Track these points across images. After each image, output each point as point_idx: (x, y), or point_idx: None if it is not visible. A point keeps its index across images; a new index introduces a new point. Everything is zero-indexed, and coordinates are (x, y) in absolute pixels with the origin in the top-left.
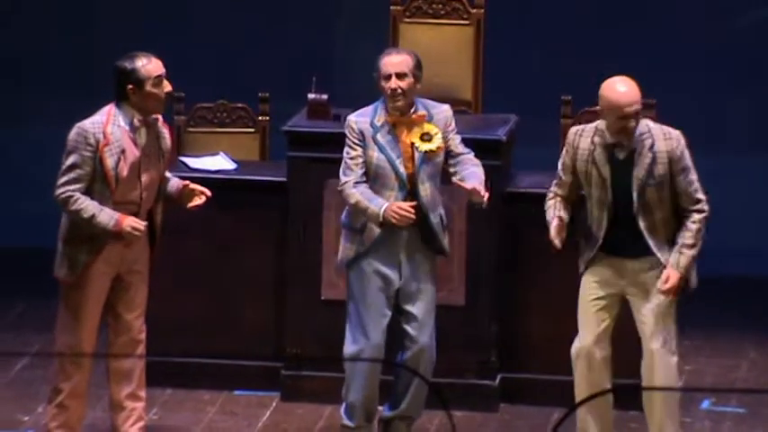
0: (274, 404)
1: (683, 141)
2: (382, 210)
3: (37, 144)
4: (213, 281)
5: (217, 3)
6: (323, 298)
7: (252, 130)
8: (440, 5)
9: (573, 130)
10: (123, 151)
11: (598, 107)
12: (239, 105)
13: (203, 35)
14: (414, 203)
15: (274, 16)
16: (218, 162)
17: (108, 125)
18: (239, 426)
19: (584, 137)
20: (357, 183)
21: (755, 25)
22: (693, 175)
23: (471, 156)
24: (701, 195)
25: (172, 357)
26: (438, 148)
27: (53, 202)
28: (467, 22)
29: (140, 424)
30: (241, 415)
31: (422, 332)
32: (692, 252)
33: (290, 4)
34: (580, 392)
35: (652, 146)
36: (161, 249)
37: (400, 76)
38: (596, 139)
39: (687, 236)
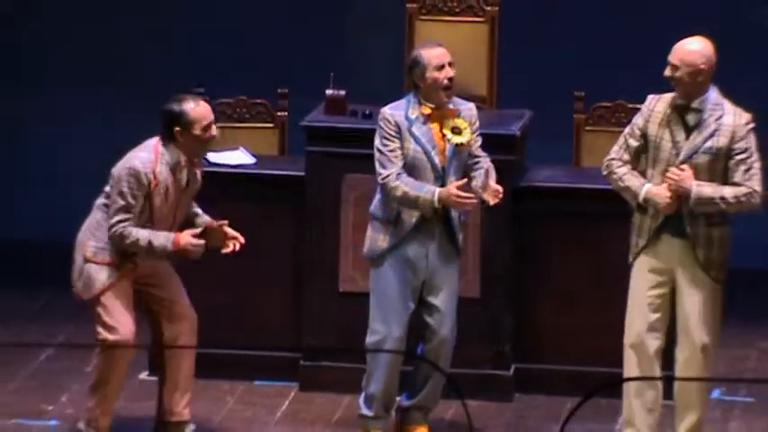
0: (293, 394)
1: (752, 125)
2: (436, 195)
3: (52, 141)
4: (233, 274)
5: (237, 1)
6: (341, 290)
7: (271, 125)
8: (455, 3)
9: (651, 96)
10: (167, 190)
11: (609, 103)
12: (258, 101)
13: (224, 32)
14: (465, 182)
15: (293, 14)
16: (238, 156)
17: (157, 164)
18: (259, 415)
19: (661, 101)
20: (399, 174)
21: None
22: (753, 161)
23: (488, 160)
24: (755, 185)
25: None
26: (468, 141)
27: (71, 196)
28: (481, 19)
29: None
30: (260, 404)
31: (443, 325)
32: (718, 198)
33: (308, 2)
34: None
35: (720, 117)
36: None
37: (452, 64)
38: (672, 104)
39: (726, 188)
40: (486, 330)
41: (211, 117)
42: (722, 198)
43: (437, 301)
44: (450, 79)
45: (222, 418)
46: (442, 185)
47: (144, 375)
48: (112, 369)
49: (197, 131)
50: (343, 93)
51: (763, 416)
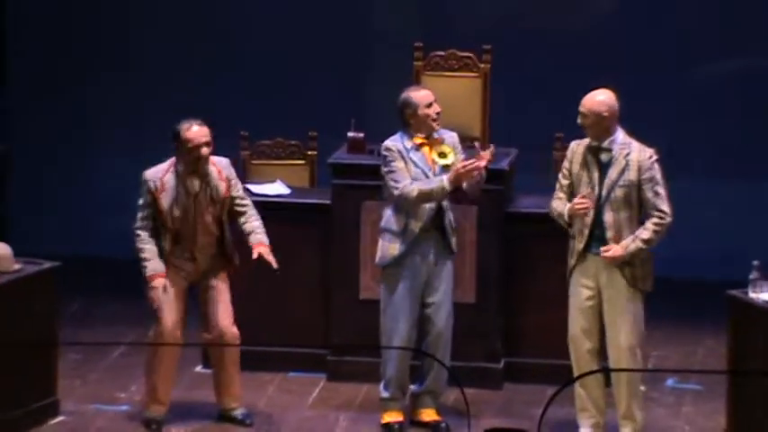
0: (322, 384)
1: (655, 157)
2: (445, 180)
3: (111, 170)
4: (272, 284)
5: (276, 61)
6: (361, 298)
7: (303, 162)
8: (454, 61)
9: (573, 141)
10: (176, 195)
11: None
12: (292, 142)
13: (266, 86)
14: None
15: (322, 72)
16: (276, 188)
17: (167, 173)
18: (293, 401)
19: (580, 145)
20: (411, 182)
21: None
22: (660, 189)
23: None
24: (664, 207)
25: (239, 346)
26: (453, 163)
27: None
28: (476, 74)
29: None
30: (295, 392)
31: (439, 318)
32: (642, 245)
33: (335, 61)
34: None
35: (628, 154)
36: (237, 268)
37: (436, 101)
38: (588, 146)
39: (642, 231)
40: (480, 330)
41: (203, 139)
42: (645, 241)
43: (434, 298)
44: (438, 113)
45: (264, 404)
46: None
47: (198, 368)
48: (157, 359)
49: (189, 148)
50: (362, 135)
51: (710, 402)
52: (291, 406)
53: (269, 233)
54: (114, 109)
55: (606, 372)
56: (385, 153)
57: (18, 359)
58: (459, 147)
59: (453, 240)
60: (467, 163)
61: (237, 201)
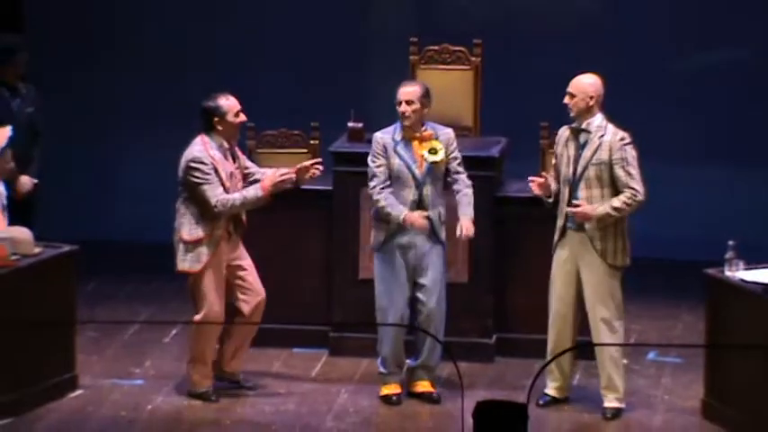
0: (324, 358)
1: (628, 140)
2: (402, 216)
3: (137, 163)
4: (277, 265)
5: (281, 57)
6: (360, 278)
7: (305, 150)
8: (447, 55)
9: (563, 127)
10: (223, 167)
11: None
12: (296, 132)
13: (271, 81)
14: (426, 214)
15: (324, 67)
16: None
17: (208, 150)
18: (298, 374)
19: (565, 129)
20: (383, 188)
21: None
22: (632, 170)
23: (464, 177)
24: (637, 186)
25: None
26: (442, 160)
27: (153, 208)
28: (468, 67)
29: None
30: (299, 367)
31: (430, 298)
32: (611, 210)
33: (336, 56)
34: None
35: (602, 135)
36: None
37: (408, 102)
38: (570, 128)
39: (614, 200)
40: (473, 308)
41: (239, 106)
42: (614, 208)
43: (424, 280)
44: (402, 113)
45: (271, 377)
46: (420, 193)
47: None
48: (205, 341)
49: (230, 119)
50: (361, 125)
51: (688, 373)
52: (296, 379)
53: (274, 218)
54: (132, 96)
55: (592, 346)
56: (372, 144)
57: (39, 337)
58: (455, 144)
59: (442, 232)
60: (417, 222)
61: (247, 165)
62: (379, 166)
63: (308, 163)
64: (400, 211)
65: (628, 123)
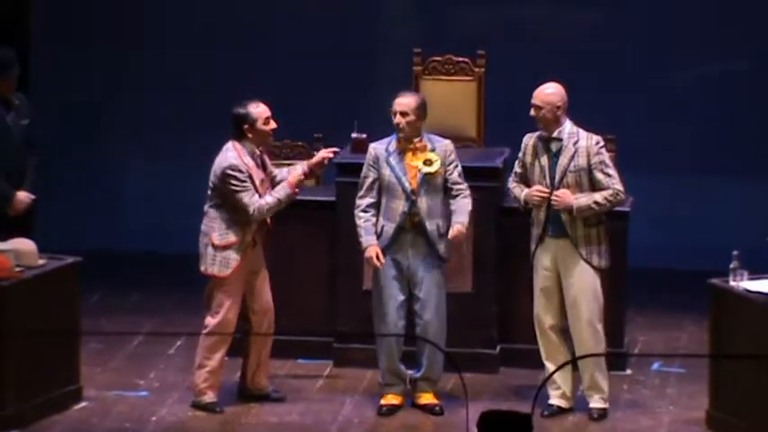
0: (328, 369)
1: (602, 143)
2: (364, 246)
3: (134, 168)
4: (282, 275)
5: (285, 68)
6: (364, 288)
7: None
8: (450, 66)
9: (527, 135)
10: (256, 173)
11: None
12: (300, 143)
13: (275, 92)
14: (382, 262)
15: (327, 78)
16: None
17: (242, 157)
18: (303, 385)
19: (532, 137)
20: (368, 206)
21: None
22: (611, 171)
23: (464, 187)
24: (618, 186)
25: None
26: (436, 171)
27: (161, 218)
28: (471, 78)
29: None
30: (304, 377)
31: (425, 310)
32: (592, 203)
33: (339, 68)
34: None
35: (576, 142)
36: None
37: (403, 114)
38: (539, 137)
39: (597, 194)
40: (478, 318)
41: (269, 113)
42: (596, 202)
43: (419, 293)
44: (396, 124)
45: (275, 387)
46: (412, 205)
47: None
48: (215, 351)
49: (260, 126)
50: (364, 136)
51: (693, 384)
52: (300, 390)
53: (278, 230)
54: (134, 106)
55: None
56: (367, 154)
57: (43, 349)
58: (453, 155)
59: (442, 246)
60: (374, 259)
61: (272, 170)
62: (366, 177)
63: (326, 152)
64: (366, 242)
65: (628, 133)
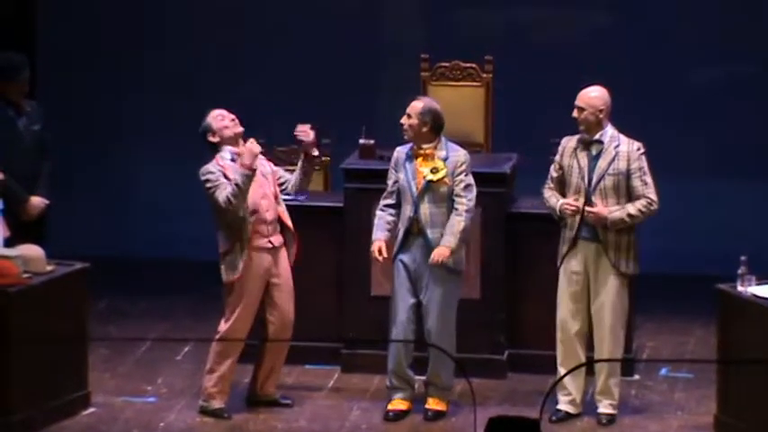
0: (336, 375)
1: (643, 150)
2: (373, 244)
3: (150, 179)
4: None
5: (293, 74)
6: (372, 294)
7: (317, 168)
8: (458, 72)
9: (565, 137)
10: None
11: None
12: None
13: (284, 98)
14: (384, 256)
15: (336, 84)
16: None
17: (218, 162)
18: (310, 392)
19: (572, 140)
20: (386, 206)
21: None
22: (648, 179)
23: (465, 200)
24: (652, 195)
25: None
26: (440, 180)
27: (168, 225)
28: (479, 84)
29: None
30: (312, 383)
31: (427, 317)
32: (626, 217)
33: (348, 72)
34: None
35: (617, 146)
36: (296, 262)
37: (407, 116)
38: (579, 139)
39: (630, 206)
40: (485, 324)
41: (230, 116)
42: (629, 215)
43: (423, 298)
44: (401, 124)
45: (283, 393)
46: (416, 210)
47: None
48: (226, 356)
49: (218, 125)
50: (372, 142)
51: (701, 389)
52: (308, 396)
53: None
54: (144, 112)
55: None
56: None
57: (51, 355)
58: (464, 167)
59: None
60: (375, 255)
61: (281, 175)
62: (389, 179)
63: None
64: (374, 237)
65: (637, 137)
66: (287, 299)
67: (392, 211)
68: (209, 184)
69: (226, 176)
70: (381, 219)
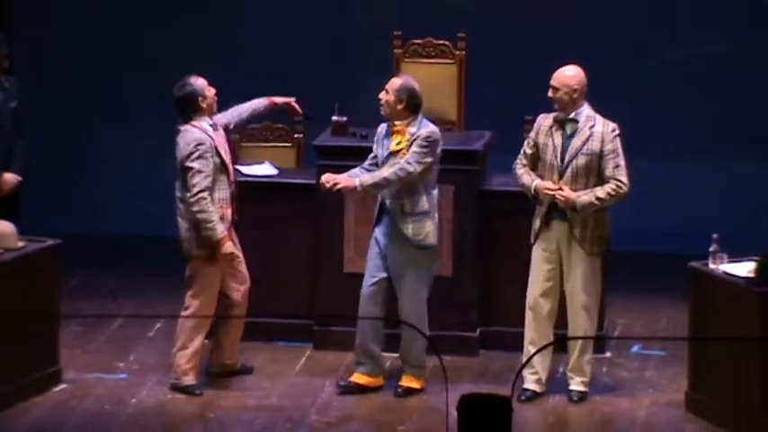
0: (308, 352)
1: (617, 132)
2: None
3: (121, 156)
4: (262, 258)
5: (266, 52)
6: (345, 271)
7: (290, 144)
8: (431, 49)
9: (541, 114)
10: (220, 143)
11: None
12: (280, 126)
13: (254, 76)
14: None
15: (308, 60)
16: (265, 169)
17: (206, 132)
18: (282, 368)
19: (548, 118)
20: (363, 167)
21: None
22: (620, 161)
23: (403, 162)
24: (623, 178)
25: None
26: (399, 150)
27: (139, 204)
28: (452, 61)
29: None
30: (283, 360)
31: (399, 294)
32: (595, 200)
33: (321, 51)
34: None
35: (592, 126)
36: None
37: (386, 92)
38: (555, 118)
39: (599, 189)
40: (457, 301)
41: (205, 82)
42: (598, 198)
43: (393, 275)
44: (379, 99)
45: (254, 371)
46: None
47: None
48: (198, 332)
49: (208, 92)
50: (345, 119)
51: (672, 366)
52: (280, 373)
53: (258, 212)
54: (115, 89)
55: (574, 339)
56: None
57: (22, 331)
58: (421, 141)
59: (409, 227)
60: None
61: (225, 124)
62: (372, 151)
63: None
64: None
65: (608, 114)
66: (243, 264)
67: (367, 167)
68: (194, 156)
69: (217, 150)
70: (356, 171)
